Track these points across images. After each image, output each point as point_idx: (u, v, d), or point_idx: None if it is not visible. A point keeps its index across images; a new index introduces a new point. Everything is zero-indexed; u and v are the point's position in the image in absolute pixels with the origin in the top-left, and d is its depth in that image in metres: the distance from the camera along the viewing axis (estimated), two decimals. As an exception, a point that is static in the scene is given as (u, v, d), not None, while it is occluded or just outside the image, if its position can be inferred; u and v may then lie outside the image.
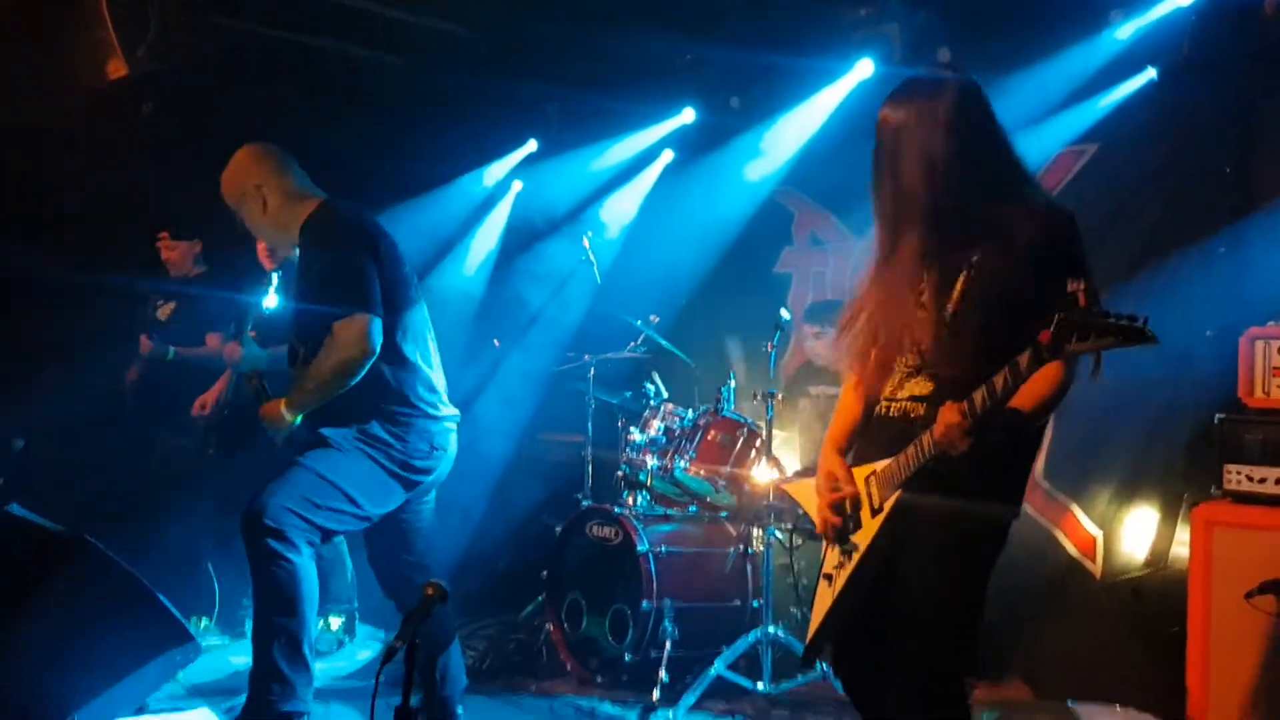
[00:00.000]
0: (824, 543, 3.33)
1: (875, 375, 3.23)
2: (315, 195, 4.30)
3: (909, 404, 3.08)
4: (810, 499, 3.47)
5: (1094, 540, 5.80)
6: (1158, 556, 5.56)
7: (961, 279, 2.99)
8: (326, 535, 4.09)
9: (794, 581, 6.05)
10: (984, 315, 2.95)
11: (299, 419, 4.08)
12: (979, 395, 2.80)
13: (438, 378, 4.31)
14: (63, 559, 4.15)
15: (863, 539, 3.15)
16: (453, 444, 4.32)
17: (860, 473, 3.19)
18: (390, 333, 4.08)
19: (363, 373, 4.01)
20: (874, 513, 3.12)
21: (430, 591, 3.15)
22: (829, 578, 3.27)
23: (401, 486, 4.18)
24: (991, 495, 3.01)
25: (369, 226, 4.21)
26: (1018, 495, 3.09)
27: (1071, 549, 5.87)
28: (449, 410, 4.31)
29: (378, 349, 4.01)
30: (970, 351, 2.96)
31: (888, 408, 3.15)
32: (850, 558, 3.18)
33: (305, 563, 3.96)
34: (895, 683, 3.02)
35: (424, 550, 4.42)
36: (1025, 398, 2.83)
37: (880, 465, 3.10)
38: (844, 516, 3.19)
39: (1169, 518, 5.55)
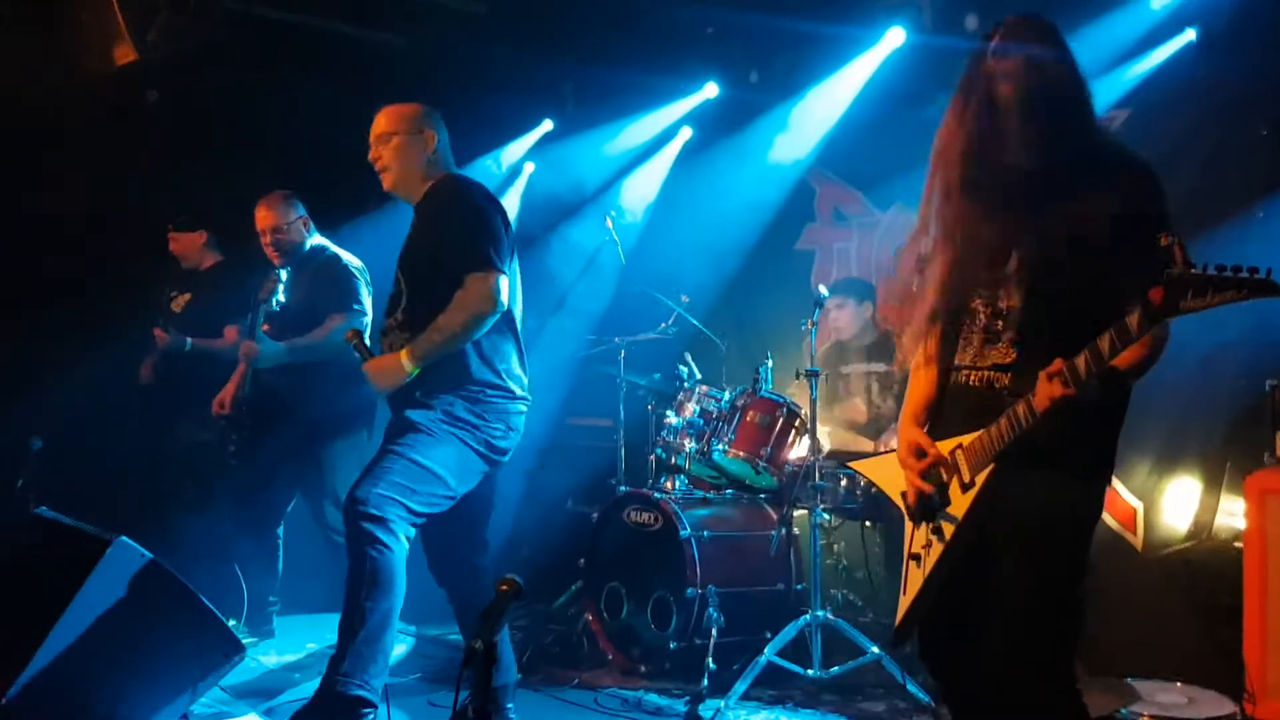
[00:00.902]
0: (908, 523, 3.21)
1: (946, 343, 3.11)
2: (452, 165, 4.48)
3: (992, 373, 2.96)
4: (886, 477, 3.36)
5: (1134, 512, 5.72)
6: (1201, 528, 5.49)
7: (1043, 236, 2.86)
8: (423, 517, 4.14)
9: (834, 563, 5.97)
10: (1069, 275, 2.82)
11: (416, 371, 4.12)
12: (1082, 360, 2.67)
13: (523, 358, 4.41)
14: (99, 561, 4.00)
15: (953, 516, 3.02)
16: (522, 426, 4.38)
17: (944, 446, 3.05)
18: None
19: (486, 328, 4.14)
20: (965, 488, 2.99)
21: (505, 588, 3.02)
22: (917, 558, 3.14)
23: (482, 467, 4.27)
24: (1087, 463, 2.90)
25: (498, 200, 4.39)
26: (1110, 461, 2.97)
27: (1112, 522, 5.79)
28: (525, 393, 4.38)
29: (504, 307, 4.15)
30: (1055, 314, 2.84)
31: (968, 377, 3.01)
32: (940, 536, 3.06)
33: (402, 551, 4.04)
34: (998, 666, 2.90)
35: (481, 526, 4.46)
36: (1120, 357, 2.72)
37: (968, 439, 2.97)
38: (934, 489, 3.06)
39: (1212, 488, 5.49)
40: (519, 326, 4.41)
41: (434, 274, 4.16)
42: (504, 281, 4.13)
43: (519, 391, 4.33)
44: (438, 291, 4.12)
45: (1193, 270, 2.44)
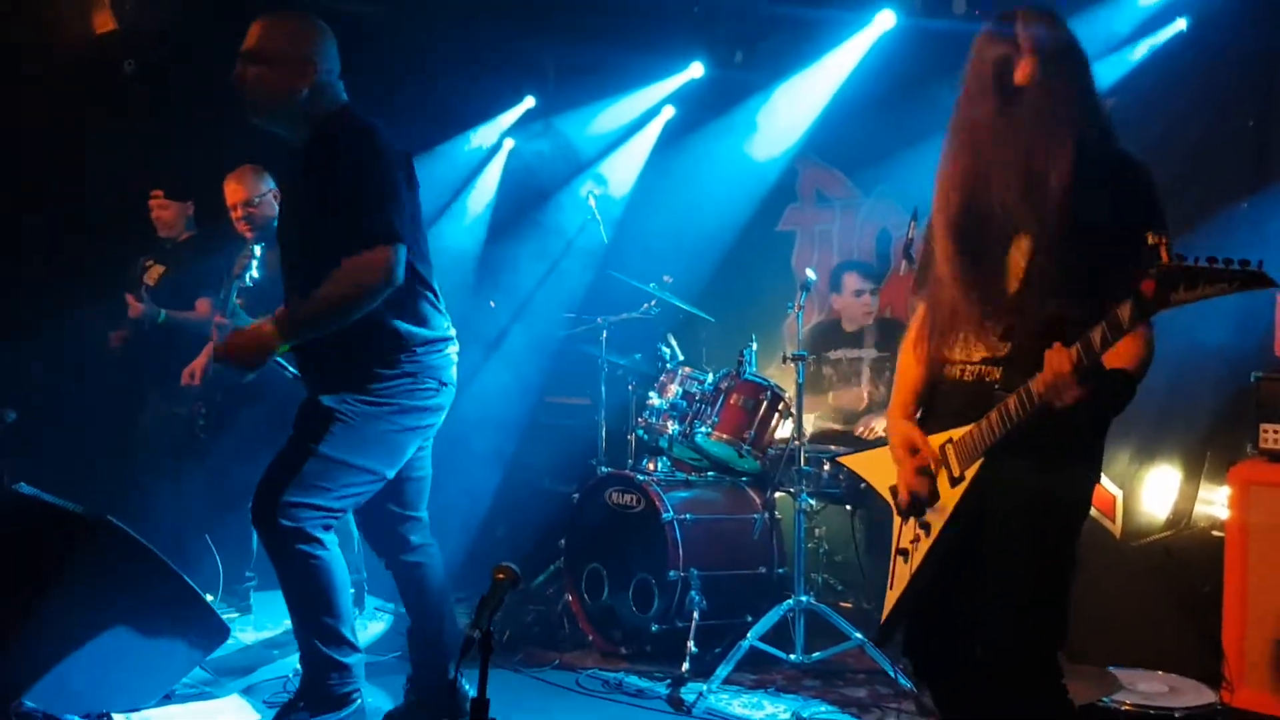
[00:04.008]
0: (896, 517, 3.21)
1: (938, 336, 3.08)
2: (342, 96, 3.90)
3: (983, 367, 2.95)
4: (875, 470, 3.36)
5: (1113, 499, 5.72)
6: (1180, 516, 5.51)
7: (1038, 233, 2.85)
8: (344, 511, 3.87)
9: (815, 547, 5.98)
10: (1063, 272, 2.81)
11: (286, 348, 3.67)
12: (1074, 351, 2.64)
13: (440, 303, 3.99)
14: (83, 541, 3.96)
15: (942, 511, 3.03)
16: (455, 374, 4.02)
17: (934, 441, 3.04)
18: (408, 262, 3.71)
19: (378, 302, 3.65)
20: (953, 482, 2.99)
21: (501, 576, 3.00)
22: (904, 553, 3.14)
23: (415, 438, 3.92)
24: (1075, 454, 2.90)
25: (396, 145, 3.80)
26: (1098, 452, 2.98)
27: (1091, 509, 5.78)
28: (452, 334, 4.00)
29: (400, 280, 3.64)
30: (1048, 309, 2.82)
31: (960, 371, 3.01)
32: (928, 531, 3.06)
33: (329, 552, 3.76)
34: (987, 655, 2.91)
35: (415, 502, 4.14)
36: (1125, 358, 2.72)
37: (958, 433, 2.97)
38: (926, 484, 3.05)
39: (1191, 477, 5.51)
40: (430, 264, 3.96)
41: (332, 222, 3.63)
42: (401, 251, 3.62)
43: (447, 333, 3.95)
44: (336, 240, 3.61)
45: (1184, 262, 2.43)
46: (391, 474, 3.90)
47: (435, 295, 3.94)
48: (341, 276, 3.57)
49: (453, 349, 3.99)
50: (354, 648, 3.89)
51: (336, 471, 3.71)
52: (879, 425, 5.92)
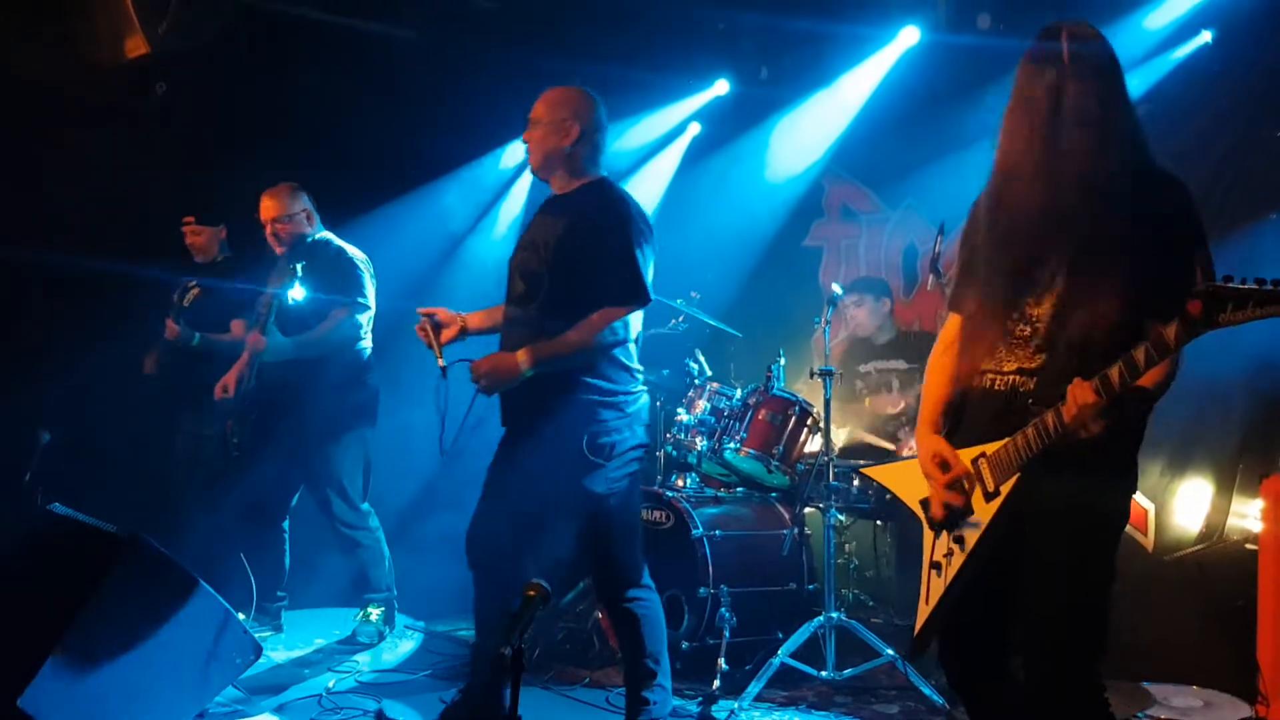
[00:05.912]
0: (928, 531, 3.20)
1: (970, 347, 3.08)
2: (601, 165, 4.31)
3: (1016, 377, 2.93)
4: (903, 484, 3.34)
5: (1145, 513, 5.67)
6: (1213, 529, 5.49)
7: (1078, 246, 2.84)
8: None
9: (845, 562, 5.97)
10: (1102, 284, 2.79)
11: (530, 373, 3.98)
12: (1115, 372, 2.64)
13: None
14: (116, 559, 3.99)
15: (976, 525, 3.00)
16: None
17: (966, 455, 3.03)
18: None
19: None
20: (988, 497, 2.97)
21: (532, 593, 3.00)
22: (938, 567, 3.12)
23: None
24: (1112, 467, 2.88)
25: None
26: (1134, 464, 2.95)
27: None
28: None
29: (629, 338, 4.11)
30: (1084, 322, 2.81)
31: (992, 381, 2.98)
32: (962, 545, 3.05)
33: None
34: (1029, 670, 2.90)
35: None
36: (1148, 377, 2.70)
37: (991, 447, 2.95)
38: (960, 499, 3.04)
39: (1223, 489, 5.48)
40: None
41: (584, 273, 4.02)
42: (640, 314, 4.11)
43: (641, 378, 4.26)
44: (583, 290, 4.01)
45: (1231, 283, 2.42)
46: None
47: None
48: (590, 326, 3.97)
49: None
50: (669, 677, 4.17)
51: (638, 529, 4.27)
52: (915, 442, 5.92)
